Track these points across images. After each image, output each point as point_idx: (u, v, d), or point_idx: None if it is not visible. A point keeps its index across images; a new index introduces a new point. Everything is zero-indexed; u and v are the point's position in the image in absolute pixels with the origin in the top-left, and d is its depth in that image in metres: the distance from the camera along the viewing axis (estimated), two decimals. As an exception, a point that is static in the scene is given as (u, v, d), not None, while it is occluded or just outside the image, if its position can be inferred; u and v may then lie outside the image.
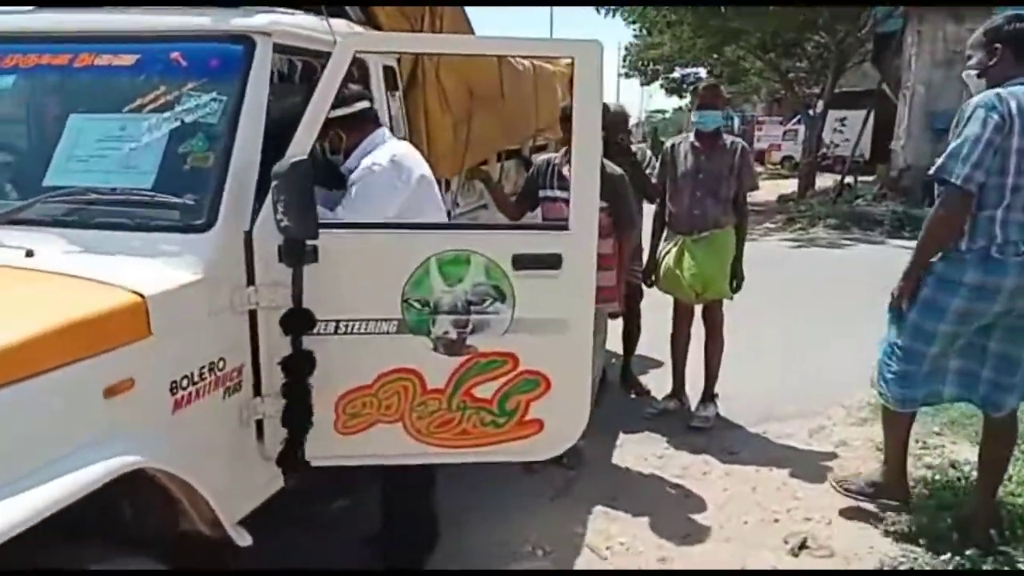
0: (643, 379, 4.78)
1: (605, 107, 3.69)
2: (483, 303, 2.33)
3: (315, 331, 2.24)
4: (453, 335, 2.33)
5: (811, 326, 6.00)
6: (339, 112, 2.45)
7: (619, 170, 3.77)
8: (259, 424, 2.29)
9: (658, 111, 47.85)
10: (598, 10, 13.82)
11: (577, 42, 2.30)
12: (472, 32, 3.74)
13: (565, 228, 2.33)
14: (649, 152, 4.62)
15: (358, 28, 2.53)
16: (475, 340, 2.35)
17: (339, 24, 2.55)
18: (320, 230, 2.17)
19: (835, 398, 4.54)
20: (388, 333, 2.31)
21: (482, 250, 2.29)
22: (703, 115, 3.95)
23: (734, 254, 4.01)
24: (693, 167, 3.99)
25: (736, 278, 4.03)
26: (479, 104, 3.58)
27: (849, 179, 14.68)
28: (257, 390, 2.27)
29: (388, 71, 3.05)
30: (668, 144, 4.17)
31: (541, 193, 3.72)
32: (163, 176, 2.19)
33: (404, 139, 3.12)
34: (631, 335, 4.68)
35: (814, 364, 5.09)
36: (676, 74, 24.23)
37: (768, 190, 17.98)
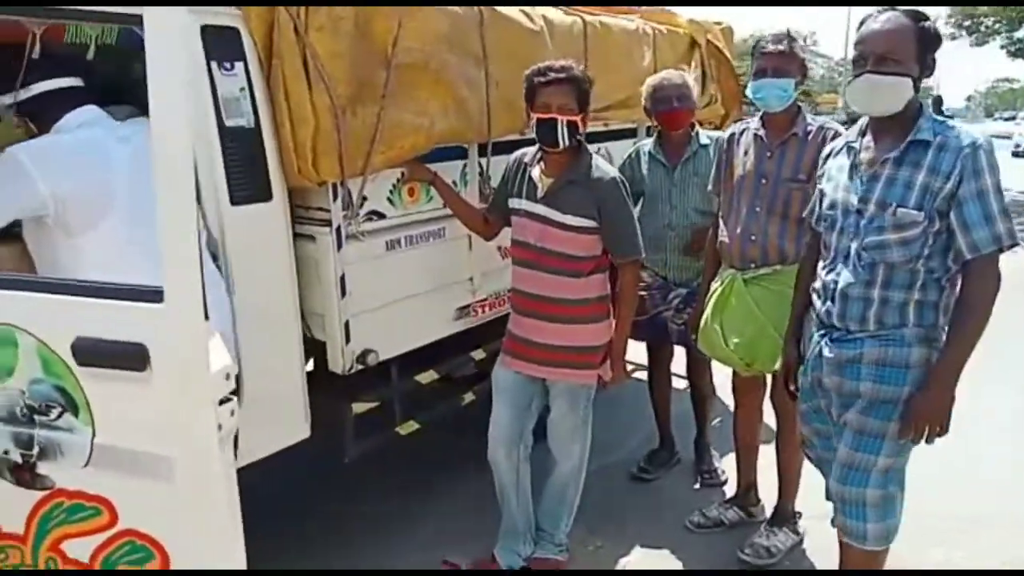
0: (728, 461, 3.37)
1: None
2: (49, 413, 1.40)
3: None
4: (16, 457, 1.44)
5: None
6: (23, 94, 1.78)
7: (611, 171, 2.50)
8: None
9: (1005, 80, 39.45)
10: None
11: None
12: None
13: (157, 299, 1.30)
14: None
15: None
16: (48, 469, 1.43)
17: None
18: None
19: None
20: (-65, 443, 1.49)
21: (29, 326, 1.36)
22: (763, 86, 2.45)
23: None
24: (754, 168, 2.55)
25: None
26: (409, 74, 2.50)
27: None
28: None
29: (220, 33, 2.15)
30: (726, 134, 2.72)
31: (511, 203, 2.61)
32: None
33: (251, 128, 2.23)
34: (699, 402, 3.32)
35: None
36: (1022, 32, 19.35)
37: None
